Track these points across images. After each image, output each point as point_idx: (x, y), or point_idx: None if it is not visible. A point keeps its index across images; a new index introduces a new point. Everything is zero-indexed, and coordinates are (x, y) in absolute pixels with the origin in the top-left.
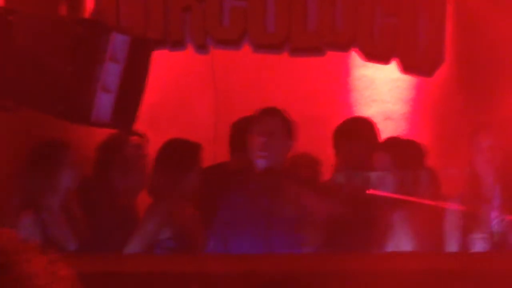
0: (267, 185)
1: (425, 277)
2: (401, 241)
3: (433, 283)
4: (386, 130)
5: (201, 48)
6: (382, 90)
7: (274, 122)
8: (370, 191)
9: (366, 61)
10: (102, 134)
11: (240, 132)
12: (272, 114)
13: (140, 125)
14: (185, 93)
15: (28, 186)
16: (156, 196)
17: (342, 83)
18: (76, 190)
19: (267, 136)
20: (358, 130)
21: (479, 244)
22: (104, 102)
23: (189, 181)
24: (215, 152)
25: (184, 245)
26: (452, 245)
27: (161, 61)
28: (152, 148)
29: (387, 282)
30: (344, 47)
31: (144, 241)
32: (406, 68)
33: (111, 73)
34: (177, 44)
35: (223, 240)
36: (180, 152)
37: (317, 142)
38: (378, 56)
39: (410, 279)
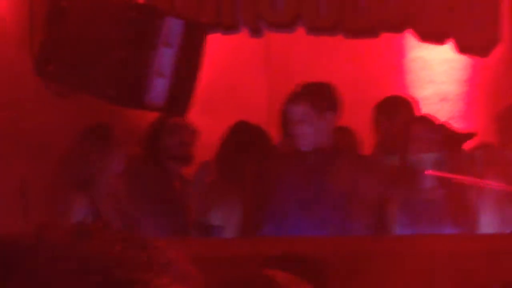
0: (314, 165)
1: (458, 259)
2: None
3: (467, 264)
4: (442, 111)
5: (255, 31)
6: (437, 71)
7: (306, 104)
8: (429, 172)
9: (421, 41)
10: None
11: None
12: (304, 94)
13: (194, 109)
14: (239, 77)
15: (78, 168)
16: (224, 178)
17: (397, 65)
18: (127, 173)
19: (296, 123)
20: (397, 107)
21: None
22: (158, 87)
23: (252, 163)
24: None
25: (235, 230)
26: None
27: (215, 45)
28: (206, 131)
29: (423, 264)
30: (398, 28)
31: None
32: (462, 48)
33: (164, 57)
34: (230, 28)
35: (277, 223)
36: (248, 135)
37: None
38: (433, 36)
39: (445, 261)
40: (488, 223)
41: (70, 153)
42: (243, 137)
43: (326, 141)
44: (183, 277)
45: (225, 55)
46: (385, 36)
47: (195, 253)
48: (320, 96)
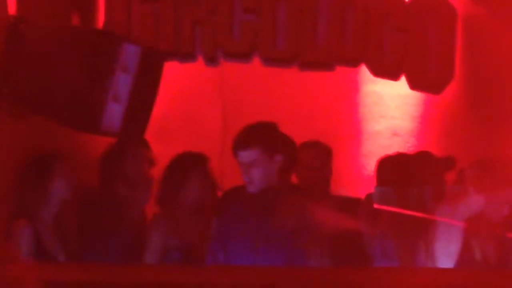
0: (260, 205)
1: None
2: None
3: None
4: (393, 146)
5: (211, 60)
6: (390, 106)
7: (252, 150)
8: (376, 206)
9: (375, 76)
10: (107, 144)
11: None
12: (253, 138)
13: (149, 136)
14: (194, 105)
15: (21, 196)
16: (162, 207)
17: (350, 99)
18: (79, 201)
19: (246, 166)
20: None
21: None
22: (114, 112)
23: (194, 192)
24: (222, 165)
25: (190, 256)
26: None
27: (171, 73)
28: (160, 159)
29: None
30: (353, 62)
31: (152, 251)
32: (415, 84)
33: (121, 83)
34: (187, 56)
35: (227, 254)
36: (186, 163)
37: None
38: (387, 72)
39: None
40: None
41: (14, 180)
42: (179, 166)
43: (275, 181)
44: None
45: (182, 84)
46: (340, 70)
47: (148, 279)
48: (269, 140)
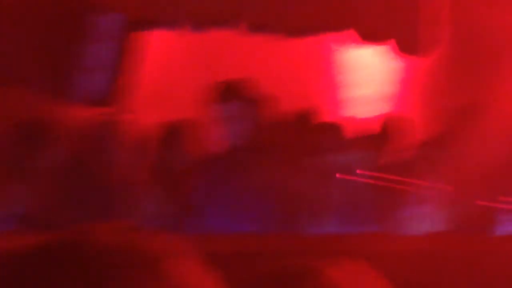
0: (237, 162)
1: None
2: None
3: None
4: (376, 111)
5: (196, 28)
6: (375, 71)
7: (232, 102)
8: (359, 171)
9: (363, 42)
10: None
11: None
12: (229, 92)
13: (131, 104)
14: (177, 73)
15: (12, 161)
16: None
17: (335, 64)
18: (62, 168)
19: (227, 117)
20: None
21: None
22: (95, 81)
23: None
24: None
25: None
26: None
27: (155, 41)
28: (144, 126)
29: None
30: (338, 28)
31: None
32: (403, 49)
33: (102, 51)
34: (171, 24)
35: (196, 219)
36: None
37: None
38: (373, 37)
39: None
40: (416, 224)
41: (2, 147)
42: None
43: (252, 136)
44: None
45: (164, 52)
46: (318, 38)
47: None
48: (245, 93)
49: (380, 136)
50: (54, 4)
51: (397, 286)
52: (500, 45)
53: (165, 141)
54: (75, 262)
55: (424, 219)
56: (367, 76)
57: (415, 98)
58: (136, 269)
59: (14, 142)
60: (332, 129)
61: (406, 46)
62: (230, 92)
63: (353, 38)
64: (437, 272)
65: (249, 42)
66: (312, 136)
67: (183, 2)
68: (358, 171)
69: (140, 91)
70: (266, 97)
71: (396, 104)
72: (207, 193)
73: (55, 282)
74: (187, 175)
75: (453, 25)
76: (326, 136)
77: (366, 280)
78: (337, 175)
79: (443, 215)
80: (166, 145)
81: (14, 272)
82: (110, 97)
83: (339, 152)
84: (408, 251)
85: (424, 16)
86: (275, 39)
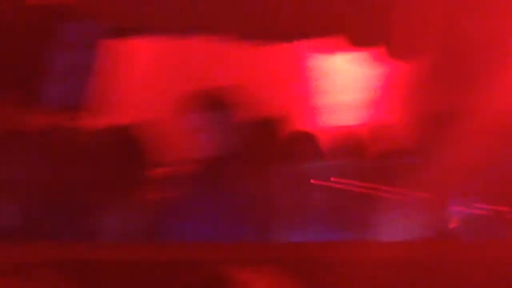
0: (208, 173)
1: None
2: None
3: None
4: (347, 118)
5: (171, 36)
6: (355, 78)
7: (203, 112)
8: (334, 179)
9: (354, 48)
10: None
11: None
12: (202, 102)
13: (104, 111)
14: (151, 80)
15: None
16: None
17: (315, 71)
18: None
19: (197, 128)
20: None
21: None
22: (64, 88)
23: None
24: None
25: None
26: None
27: (130, 49)
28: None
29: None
30: (326, 33)
31: None
32: (392, 54)
33: (75, 59)
34: (147, 32)
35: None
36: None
37: None
38: (365, 42)
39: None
40: (392, 231)
41: None
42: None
43: (223, 147)
44: None
45: (134, 58)
46: (297, 44)
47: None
48: (218, 103)
49: (359, 143)
50: (27, 12)
51: None
52: (480, 53)
53: (135, 148)
54: None
55: (401, 226)
56: (346, 82)
57: (393, 105)
58: None
59: None
60: (309, 137)
61: (390, 52)
62: (206, 101)
63: (334, 44)
64: (413, 279)
65: (231, 50)
66: (288, 143)
67: (158, 10)
68: (332, 179)
69: (114, 99)
70: (244, 103)
71: (375, 111)
72: (177, 202)
73: None
74: (156, 184)
75: (434, 32)
76: (303, 144)
77: None
78: (312, 181)
79: (420, 222)
80: (133, 153)
81: None
82: (82, 104)
83: (316, 160)
84: (385, 259)
85: (408, 23)
86: (254, 46)
